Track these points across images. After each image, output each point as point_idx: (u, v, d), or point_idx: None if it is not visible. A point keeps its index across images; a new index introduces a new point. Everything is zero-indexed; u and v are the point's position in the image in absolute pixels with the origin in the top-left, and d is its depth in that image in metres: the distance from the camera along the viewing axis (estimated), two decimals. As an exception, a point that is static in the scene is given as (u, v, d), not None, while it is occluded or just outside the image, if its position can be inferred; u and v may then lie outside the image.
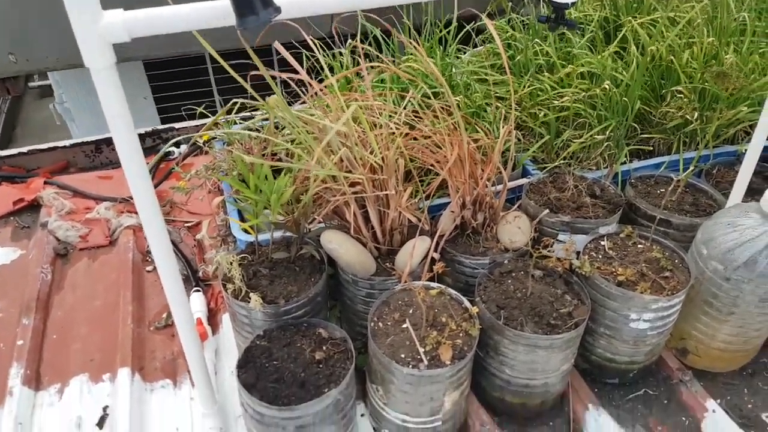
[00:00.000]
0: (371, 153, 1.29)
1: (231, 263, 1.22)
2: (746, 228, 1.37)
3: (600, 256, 1.49)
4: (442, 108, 1.45)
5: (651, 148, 1.89)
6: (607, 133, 1.73)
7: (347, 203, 1.31)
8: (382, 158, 1.31)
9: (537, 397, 1.42)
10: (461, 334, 1.30)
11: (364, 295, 1.45)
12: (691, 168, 1.69)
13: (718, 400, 1.51)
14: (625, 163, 1.80)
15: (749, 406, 1.52)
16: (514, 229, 1.52)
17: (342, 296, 1.53)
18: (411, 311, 1.35)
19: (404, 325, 1.31)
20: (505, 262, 1.47)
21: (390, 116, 1.44)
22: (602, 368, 1.54)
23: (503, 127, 1.52)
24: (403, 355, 1.24)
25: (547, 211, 1.56)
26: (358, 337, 1.56)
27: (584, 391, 1.52)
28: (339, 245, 1.32)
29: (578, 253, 1.61)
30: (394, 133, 1.36)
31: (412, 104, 1.57)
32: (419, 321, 1.31)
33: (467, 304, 1.35)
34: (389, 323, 1.32)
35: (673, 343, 1.60)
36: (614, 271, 1.43)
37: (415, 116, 1.53)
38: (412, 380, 1.22)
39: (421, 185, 1.54)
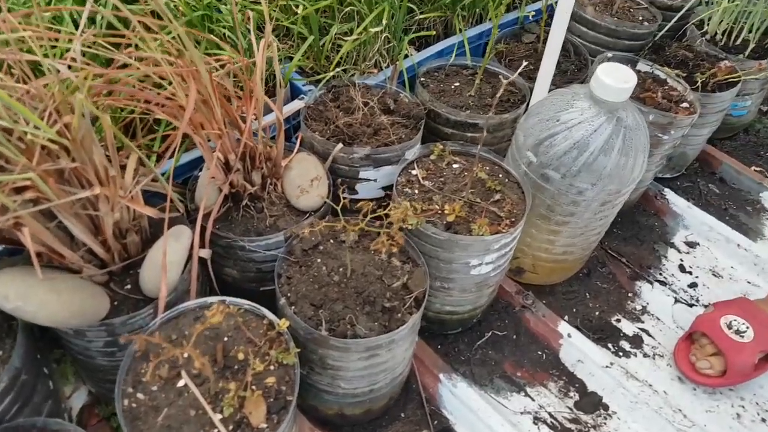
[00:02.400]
0: (36, 127, 0.75)
1: None
2: (577, 122, 1.17)
3: (416, 192, 1.19)
4: (149, 21, 0.92)
5: (434, 33, 1.61)
6: (383, 21, 1.38)
7: (18, 224, 0.77)
8: (59, 131, 0.78)
9: (383, 398, 1.13)
10: (272, 368, 0.91)
11: (102, 346, 0.96)
12: (488, 54, 1.45)
13: (566, 317, 1.41)
14: (407, 56, 1.49)
15: (596, 313, 1.44)
16: (305, 182, 1.12)
17: (68, 349, 1.01)
18: (187, 355, 0.91)
19: (181, 383, 0.88)
20: (306, 233, 1.08)
21: (61, 50, 0.88)
22: (442, 323, 1.30)
23: (252, 31, 1.06)
24: (191, 438, 0.82)
25: (341, 145, 1.19)
26: (111, 393, 1.08)
27: (429, 358, 1.28)
28: (24, 300, 0.79)
29: (387, 194, 1.30)
30: (71, 78, 0.82)
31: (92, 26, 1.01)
32: (203, 370, 0.89)
33: (271, 316, 0.96)
34: (155, 388, 0.87)
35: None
36: (439, 209, 1.15)
37: (112, 38, 0.97)
38: (218, 476, 0.81)
39: (152, 143, 1.04)
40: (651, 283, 1.52)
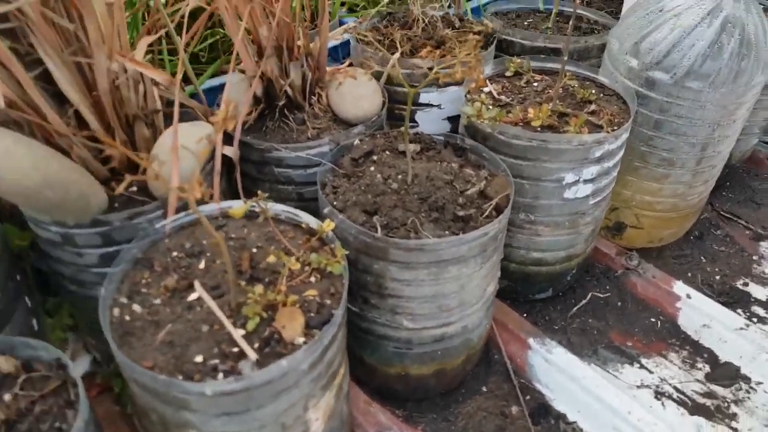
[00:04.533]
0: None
1: None
2: (686, 8, 0.95)
3: (490, 106, 0.97)
4: None
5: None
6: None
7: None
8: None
9: (456, 353, 0.87)
10: (313, 279, 0.69)
11: (97, 263, 0.75)
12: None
13: (681, 281, 1.12)
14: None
15: (717, 277, 1.15)
16: (358, 91, 0.93)
17: (59, 282, 0.81)
18: (203, 265, 0.70)
19: (192, 297, 0.66)
20: (357, 142, 0.88)
21: None
22: (528, 279, 1.05)
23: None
24: (199, 358, 0.59)
25: (398, 54, 1.00)
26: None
27: (514, 322, 1.02)
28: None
29: (453, 127, 1.09)
30: None
31: None
32: (220, 276, 0.67)
33: (310, 219, 0.74)
34: (157, 300, 0.66)
35: (603, 220, 1.18)
36: (522, 117, 0.93)
37: None
38: (230, 404, 0.58)
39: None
40: (783, 245, 1.23)
